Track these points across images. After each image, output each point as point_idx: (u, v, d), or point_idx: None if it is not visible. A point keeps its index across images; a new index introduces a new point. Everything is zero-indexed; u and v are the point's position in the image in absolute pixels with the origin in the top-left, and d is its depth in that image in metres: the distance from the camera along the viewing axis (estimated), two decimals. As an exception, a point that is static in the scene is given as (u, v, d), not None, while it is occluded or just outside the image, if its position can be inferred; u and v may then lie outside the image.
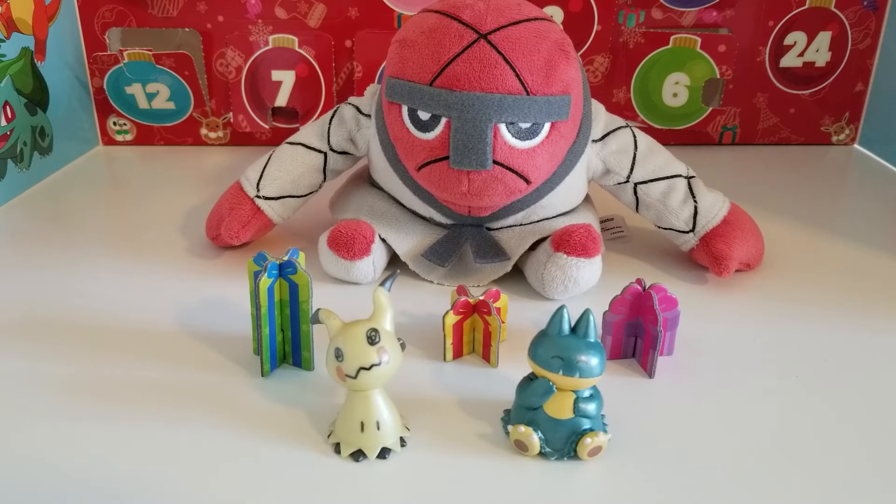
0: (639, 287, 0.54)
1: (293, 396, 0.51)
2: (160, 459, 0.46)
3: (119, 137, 1.02)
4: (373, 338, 0.43)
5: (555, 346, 0.44)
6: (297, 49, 0.96)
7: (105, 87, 0.98)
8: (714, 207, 0.67)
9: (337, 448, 0.46)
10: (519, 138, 0.59)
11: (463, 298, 0.55)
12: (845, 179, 0.96)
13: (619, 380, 0.54)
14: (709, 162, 0.94)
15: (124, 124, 1.01)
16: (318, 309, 0.46)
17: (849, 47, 0.99)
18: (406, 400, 0.50)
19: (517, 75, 0.58)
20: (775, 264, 0.70)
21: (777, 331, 0.60)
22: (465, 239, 0.66)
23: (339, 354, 0.44)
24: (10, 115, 0.82)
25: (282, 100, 0.99)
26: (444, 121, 0.59)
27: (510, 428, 0.46)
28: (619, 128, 0.68)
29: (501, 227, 0.67)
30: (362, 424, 0.45)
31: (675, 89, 0.99)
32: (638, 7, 0.96)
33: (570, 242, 0.61)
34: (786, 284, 0.67)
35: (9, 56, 0.81)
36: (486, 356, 0.56)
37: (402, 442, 0.47)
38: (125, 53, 0.96)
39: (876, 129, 1.01)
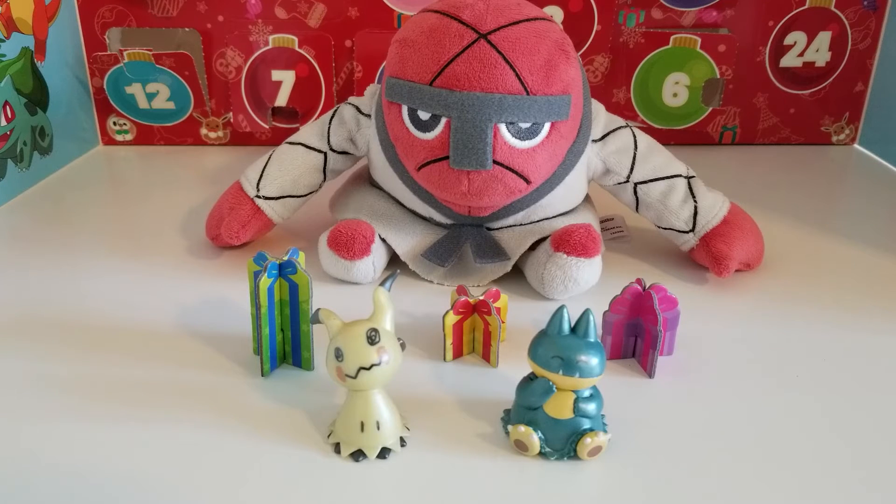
0: (639, 287, 0.54)
1: (293, 396, 0.51)
2: (160, 459, 0.46)
3: (119, 137, 1.02)
4: (373, 338, 0.43)
5: (555, 346, 0.44)
6: (297, 49, 0.96)
7: (105, 87, 0.98)
8: (714, 207, 0.67)
9: (337, 448, 0.46)
10: (519, 138, 0.59)
11: (463, 298, 0.55)
12: (845, 179, 0.96)
13: (619, 380, 0.54)
14: (709, 162, 0.94)
15: (124, 124, 1.01)
16: (318, 309, 0.46)
17: (849, 47, 0.99)
18: (406, 400, 0.50)
19: (517, 75, 0.58)
20: (775, 264, 0.70)
21: (777, 331, 0.60)
22: (465, 239, 0.66)
23: (339, 354, 0.44)
24: (10, 115, 0.82)
25: (282, 100, 0.99)
26: (444, 121, 0.59)
27: (510, 428, 0.46)
28: (619, 128, 0.68)
29: (501, 227, 0.67)
30: (362, 424, 0.45)
31: (675, 89, 0.99)
32: (638, 7, 0.96)
33: (570, 242, 0.61)
34: (786, 284, 0.67)
35: (9, 56, 0.81)
36: (486, 356, 0.56)
37: (402, 442, 0.47)
38: (125, 53, 0.96)
39: (876, 129, 1.01)
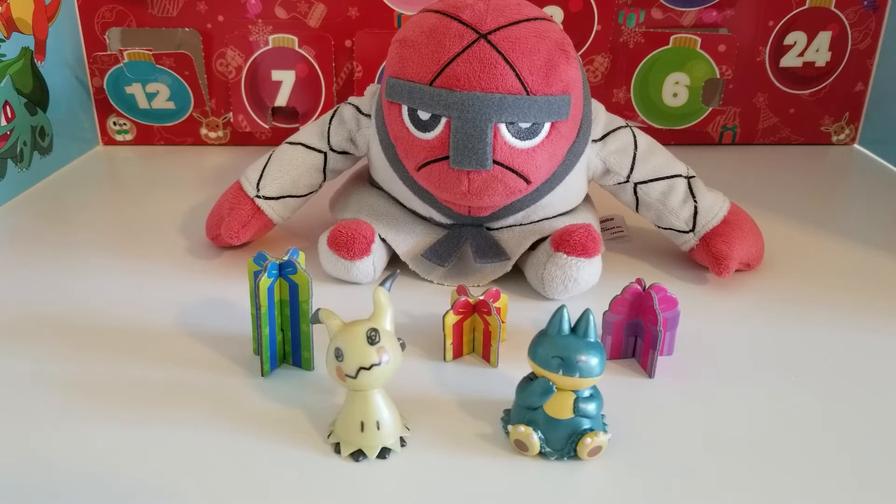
0: (639, 287, 0.54)
1: (293, 396, 0.51)
2: (160, 459, 0.46)
3: (119, 137, 1.02)
4: (373, 338, 0.43)
5: (555, 346, 0.44)
6: (297, 49, 0.96)
7: (105, 87, 0.98)
8: (714, 207, 0.67)
9: (337, 448, 0.46)
10: (519, 138, 0.59)
11: (463, 298, 0.55)
12: (845, 179, 0.96)
13: (619, 380, 0.54)
14: (709, 162, 0.94)
15: (124, 124, 1.01)
16: (318, 309, 0.46)
17: (849, 47, 0.99)
18: (406, 400, 0.50)
19: (517, 75, 0.58)
20: (775, 264, 0.70)
21: (777, 331, 0.60)
22: (465, 239, 0.66)
23: (339, 354, 0.44)
24: (10, 115, 0.82)
25: (282, 100, 0.99)
26: (444, 121, 0.59)
27: (510, 428, 0.46)
28: (619, 128, 0.68)
29: (501, 227, 0.67)
30: (362, 424, 0.45)
31: (675, 89, 0.99)
32: (638, 7, 0.96)
33: (570, 242, 0.61)
34: (786, 284, 0.67)
35: (9, 56, 0.81)
36: (486, 356, 0.56)
37: (402, 442, 0.47)
38: (125, 53, 0.96)
39: (876, 129, 1.01)
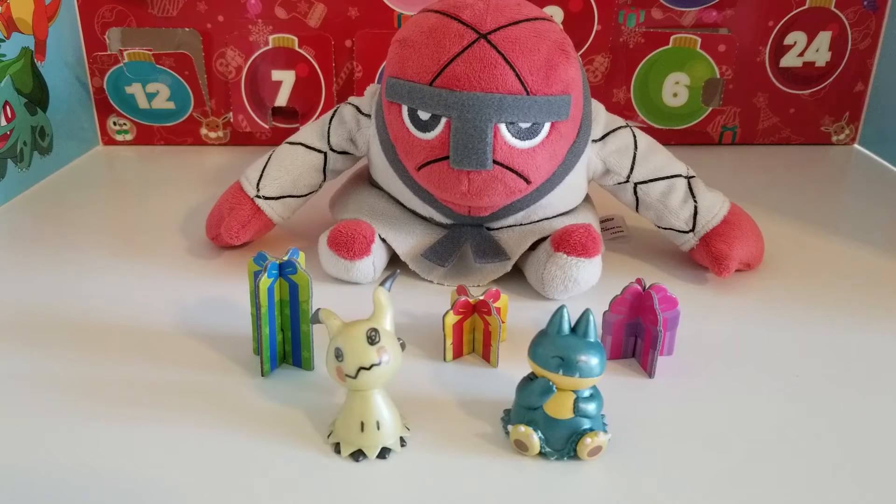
0: (639, 287, 0.54)
1: (293, 396, 0.51)
2: (159, 459, 0.46)
3: (119, 137, 1.02)
4: (373, 338, 0.43)
5: (555, 345, 0.44)
6: (297, 49, 0.96)
7: (105, 86, 0.98)
8: (714, 207, 0.67)
9: (337, 448, 0.46)
10: (519, 138, 0.59)
11: (463, 298, 0.55)
12: (845, 179, 0.96)
13: (619, 380, 0.54)
14: (709, 162, 0.94)
15: (124, 124, 1.01)
16: (318, 309, 0.46)
17: (849, 47, 0.99)
18: (406, 400, 0.50)
19: (517, 75, 0.58)
20: (775, 264, 0.70)
21: (777, 331, 0.60)
22: (465, 239, 0.66)
23: (339, 354, 0.44)
24: (10, 115, 0.82)
25: (282, 100, 0.99)
26: (444, 121, 0.59)
27: (510, 428, 0.46)
28: (619, 128, 0.68)
29: (501, 227, 0.67)
30: (362, 424, 0.45)
31: (675, 89, 0.99)
32: (638, 7, 0.96)
33: (570, 242, 0.61)
34: (786, 284, 0.67)
35: (9, 56, 0.81)
36: (486, 356, 0.56)
37: (402, 442, 0.47)
38: (125, 53, 0.96)
39: (876, 129, 1.01)
